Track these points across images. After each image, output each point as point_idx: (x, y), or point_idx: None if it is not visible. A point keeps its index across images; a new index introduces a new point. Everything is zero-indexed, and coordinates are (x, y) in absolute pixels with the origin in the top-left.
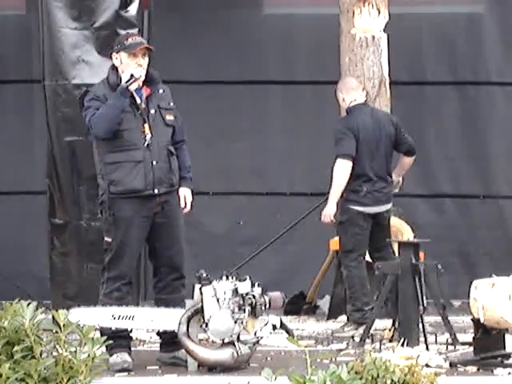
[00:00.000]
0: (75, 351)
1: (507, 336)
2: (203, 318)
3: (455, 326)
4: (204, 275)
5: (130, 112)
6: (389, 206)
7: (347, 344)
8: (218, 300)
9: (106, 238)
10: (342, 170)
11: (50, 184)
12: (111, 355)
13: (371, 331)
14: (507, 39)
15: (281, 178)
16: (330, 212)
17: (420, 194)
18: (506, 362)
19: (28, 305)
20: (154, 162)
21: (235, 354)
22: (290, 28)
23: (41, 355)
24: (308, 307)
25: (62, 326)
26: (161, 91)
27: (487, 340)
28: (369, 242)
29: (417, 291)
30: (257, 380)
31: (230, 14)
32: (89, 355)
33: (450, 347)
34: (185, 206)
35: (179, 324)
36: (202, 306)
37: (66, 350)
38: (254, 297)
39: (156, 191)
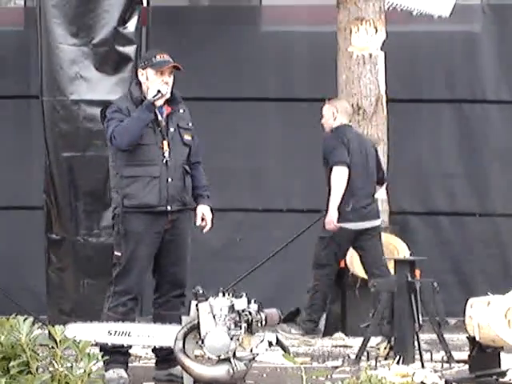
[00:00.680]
0: (71, 366)
1: (502, 354)
2: (199, 334)
3: (451, 344)
4: (200, 291)
5: (150, 128)
6: (376, 222)
7: (343, 361)
8: (214, 316)
9: (115, 252)
10: (340, 176)
11: (47, 199)
12: (107, 370)
13: (366, 348)
14: (503, 58)
15: (277, 194)
16: (332, 218)
17: (416, 211)
18: (501, 380)
19: (24, 320)
20: (170, 179)
21: (231, 371)
22: (288, 45)
23: (37, 370)
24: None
25: (58, 341)
26: (181, 111)
27: (483, 358)
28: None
29: (412, 309)
30: None
31: (228, 31)
32: (85, 371)
33: (446, 365)
34: (205, 224)
35: (175, 340)
36: (199, 323)
37: (62, 366)
38: (250, 313)
39: (169, 208)
